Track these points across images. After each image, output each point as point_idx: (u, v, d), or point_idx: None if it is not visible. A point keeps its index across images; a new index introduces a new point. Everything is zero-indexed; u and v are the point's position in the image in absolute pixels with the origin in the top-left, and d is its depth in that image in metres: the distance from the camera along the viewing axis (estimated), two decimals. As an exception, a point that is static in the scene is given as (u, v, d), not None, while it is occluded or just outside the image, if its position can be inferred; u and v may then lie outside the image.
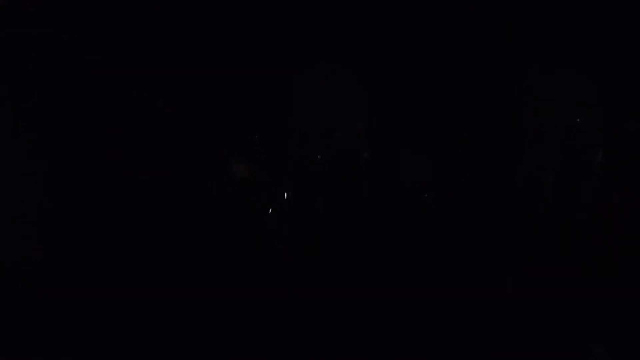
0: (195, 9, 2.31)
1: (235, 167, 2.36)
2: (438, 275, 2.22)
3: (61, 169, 2.28)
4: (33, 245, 2.22)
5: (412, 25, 2.34)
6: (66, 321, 2.13)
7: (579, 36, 2.25)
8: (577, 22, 2.25)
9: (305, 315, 2.18)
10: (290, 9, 2.33)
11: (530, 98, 2.31)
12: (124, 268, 2.24)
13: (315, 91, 2.39)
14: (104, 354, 2.08)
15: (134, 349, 2.09)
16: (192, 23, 2.32)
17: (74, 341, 2.09)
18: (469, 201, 2.31)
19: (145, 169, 2.31)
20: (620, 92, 2.23)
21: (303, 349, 2.11)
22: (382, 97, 2.39)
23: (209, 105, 2.37)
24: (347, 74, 2.39)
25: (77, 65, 2.27)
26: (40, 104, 2.25)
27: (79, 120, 2.28)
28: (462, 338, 2.11)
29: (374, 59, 2.37)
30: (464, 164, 2.34)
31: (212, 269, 2.26)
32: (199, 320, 2.17)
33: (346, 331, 2.13)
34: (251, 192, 2.35)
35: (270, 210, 2.33)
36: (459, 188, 2.33)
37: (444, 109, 2.36)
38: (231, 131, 2.38)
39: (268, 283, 2.25)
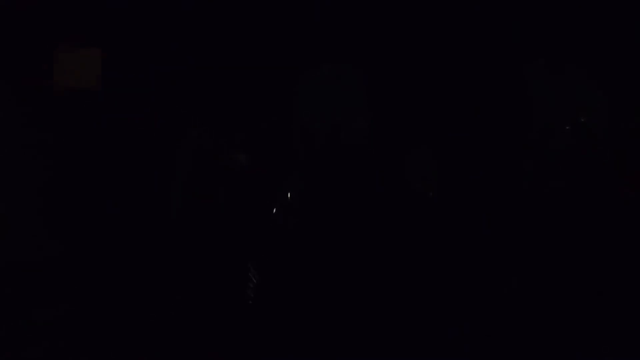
0: (200, 6, 2.31)
1: (239, 165, 2.36)
2: (442, 273, 2.22)
3: (66, 168, 2.29)
4: (39, 245, 2.23)
5: (416, 23, 2.34)
6: (71, 321, 2.14)
7: (585, 33, 2.24)
8: (583, 18, 2.24)
9: (308, 313, 2.18)
10: (294, 7, 2.33)
11: (535, 96, 2.30)
12: (129, 266, 2.24)
13: (319, 89, 2.39)
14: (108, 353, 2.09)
15: (138, 348, 2.10)
16: (196, 20, 2.32)
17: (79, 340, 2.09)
18: (474, 200, 2.31)
19: (149, 167, 2.31)
20: (626, 91, 2.22)
21: (305, 348, 2.11)
22: (387, 95, 2.38)
23: (212, 104, 2.37)
24: (351, 71, 2.38)
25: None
26: (43, 103, 2.25)
27: (82, 119, 2.29)
28: (466, 338, 2.11)
29: (378, 56, 2.36)
30: (469, 162, 2.33)
31: (218, 267, 2.27)
32: (200, 320, 2.17)
33: (348, 331, 2.13)
34: (255, 190, 2.35)
35: (274, 209, 2.33)
36: (464, 186, 2.33)
37: (449, 107, 2.35)
38: (234, 130, 2.38)
39: (271, 280, 2.25)
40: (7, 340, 2.02)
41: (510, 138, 2.32)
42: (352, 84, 2.38)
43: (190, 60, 2.36)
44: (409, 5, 2.33)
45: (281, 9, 2.36)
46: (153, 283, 2.22)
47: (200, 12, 2.33)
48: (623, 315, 2.06)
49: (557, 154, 2.26)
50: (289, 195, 2.33)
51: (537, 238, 2.23)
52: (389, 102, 2.38)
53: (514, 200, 2.29)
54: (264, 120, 2.40)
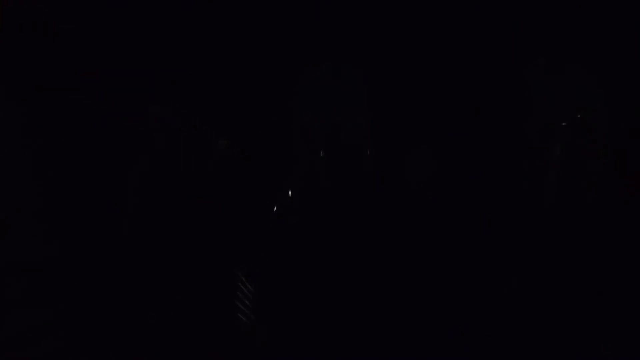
0: (199, 6, 2.31)
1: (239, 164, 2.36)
2: (442, 274, 2.22)
3: (66, 168, 2.29)
4: (38, 245, 2.22)
5: (416, 23, 2.33)
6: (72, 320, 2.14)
7: (585, 33, 2.24)
8: (583, 18, 2.24)
9: (306, 312, 2.18)
10: (294, 6, 2.33)
11: (535, 96, 2.30)
12: (129, 266, 2.24)
13: (319, 89, 2.39)
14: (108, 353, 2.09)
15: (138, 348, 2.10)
16: (195, 20, 2.32)
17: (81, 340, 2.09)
18: (474, 199, 2.31)
19: (149, 168, 2.31)
20: (626, 90, 2.22)
21: (305, 347, 2.11)
22: (387, 95, 2.38)
23: (210, 105, 2.37)
24: (351, 71, 2.38)
25: (79, 64, 2.27)
26: (43, 103, 2.25)
27: (82, 119, 2.28)
28: (466, 338, 2.11)
29: (378, 56, 2.36)
30: (469, 161, 2.33)
31: (217, 268, 2.27)
32: (200, 320, 2.17)
33: (348, 330, 2.13)
34: (255, 190, 2.35)
35: (275, 208, 2.33)
36: (464, 186, 2.33)
37: (449, 106, 2.35)
38: (233, 130, 2.38)
39: (272, 281, 2.25)
40: (7, 340, 2.02)
41: (510, 138, 2.32)
42: (352, 84, 2.39)
43: (190, 61, 2.36)
44: (408, 5, 2.33)
45: (281, 9, 2.36)
46: (153, 283, 2.22)
47: (200, 11, 2.33)
48: (623, 316, 2.06)
49: (556, 154, 2.26)
50: (288, 195, 2.33)
51: (537, 238, 2.24)
52: (389, 102, 2.39)
53: (514, 200, 2.29)
54: (263, 120, 2.40)
